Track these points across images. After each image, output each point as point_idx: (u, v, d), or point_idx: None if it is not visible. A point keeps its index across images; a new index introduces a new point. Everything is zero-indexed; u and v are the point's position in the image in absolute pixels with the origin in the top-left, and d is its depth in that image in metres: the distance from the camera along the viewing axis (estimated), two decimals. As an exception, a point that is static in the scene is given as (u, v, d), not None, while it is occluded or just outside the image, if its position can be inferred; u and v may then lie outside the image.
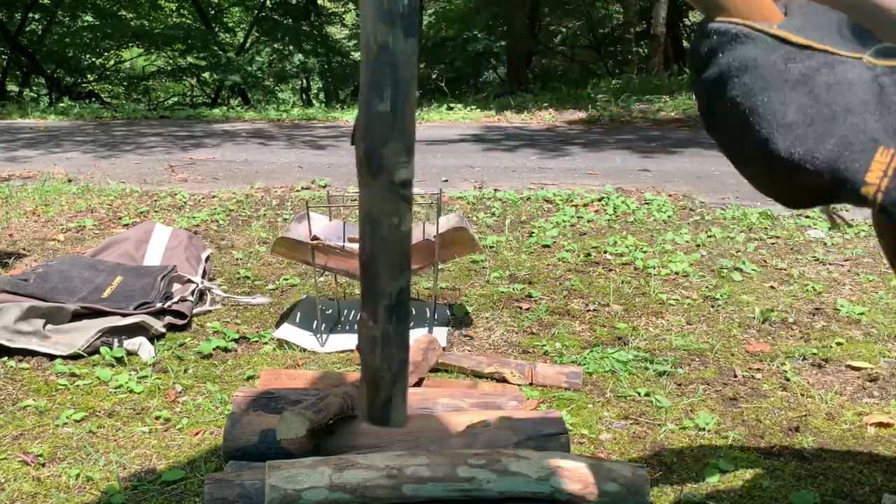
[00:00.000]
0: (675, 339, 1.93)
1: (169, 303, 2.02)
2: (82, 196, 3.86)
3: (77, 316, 1.92)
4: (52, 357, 1.80)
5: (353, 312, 2.14)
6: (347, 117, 8.85)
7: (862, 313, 2.11)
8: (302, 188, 4.19)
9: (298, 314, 2.08)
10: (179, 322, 2.00)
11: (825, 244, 2.90)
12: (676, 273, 2.50)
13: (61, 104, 11.32)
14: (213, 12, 15.82)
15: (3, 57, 14.13)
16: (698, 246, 2.85)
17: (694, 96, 0.64)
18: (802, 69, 0.55)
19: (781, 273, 2.52)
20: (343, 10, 17.82)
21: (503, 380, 1.68)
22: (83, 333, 1.84)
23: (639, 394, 1.62)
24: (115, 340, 1.85)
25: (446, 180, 4.42)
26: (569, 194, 3.84)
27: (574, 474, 1.13)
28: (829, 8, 0.58)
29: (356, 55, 17.31)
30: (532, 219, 3.34)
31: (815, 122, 0.54)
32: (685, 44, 17.25)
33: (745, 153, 0.59)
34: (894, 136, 0.52)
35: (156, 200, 3.78)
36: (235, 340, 1.93)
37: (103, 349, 1.82)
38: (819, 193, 0.57)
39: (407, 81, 0.54)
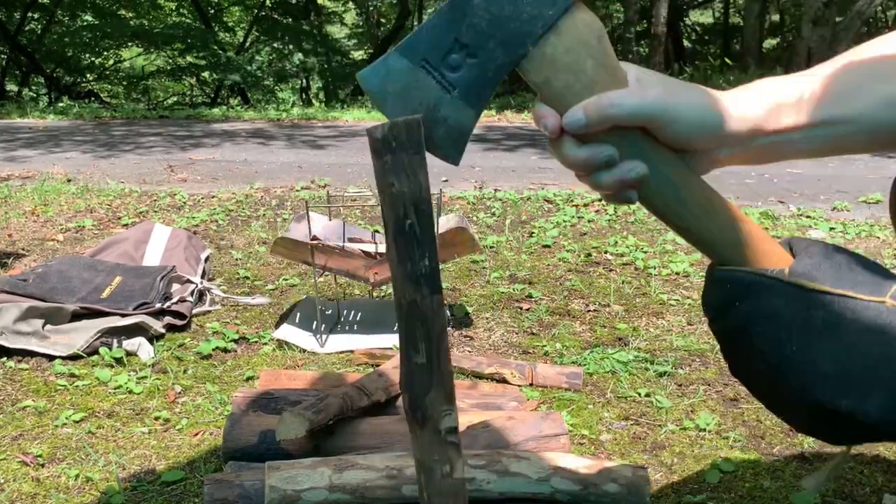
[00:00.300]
0: (675, 340, 1.93)
1: (168, 303, 2.02)
2: (81, 196, 3.85)
3: (76, 316, 1.92)
4: (51, 357, 1.80)
5: (352, 313, 2.14)
6: (347, 117, 8.84)
7: (862, 313, 2.11)
8: (302, 188, 4.19)
9: (298, 314, 2.08)
10: (179, 322, 2.00)
11: (825, 244, 2.90)
12: (677, 273, 2.50)
13: (60, 104, 11.31)
14: (212, 12, 15.82)
15: (3, 56, 14.12)
16: (698, 246, 2.85)
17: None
18: (825, 316, 0.53)
19: (782, 273, 2.52)
20: (343, 9, 17.82)
21: (503, 380, 1.68)
22: (82, 334, 1.84)
23: (639, 394, 1.62)
24: (115, 341, 1.84)
25: (446, 180, 4.42)
26: (569, 194, 3.83)
27: (574, 475, 1.13)
28: (835, 247, 0.57)
29: (356, 54, 17.32)
30: (532, 219, 3.34)
31: (854, 372, 0.52)
32: (686, 43, 17.25)
33: (780, 398, 0.57)
34: None
35: (155, 200, 3.78)
36: (235, 341, 1.93)
37: (102, 350, 1.82)
38: (865, 433, 0.56)
39: (438, 334, 0.60)
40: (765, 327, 0.55)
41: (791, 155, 0.61)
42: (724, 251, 0.59)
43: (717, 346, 1.87)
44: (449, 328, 2.00)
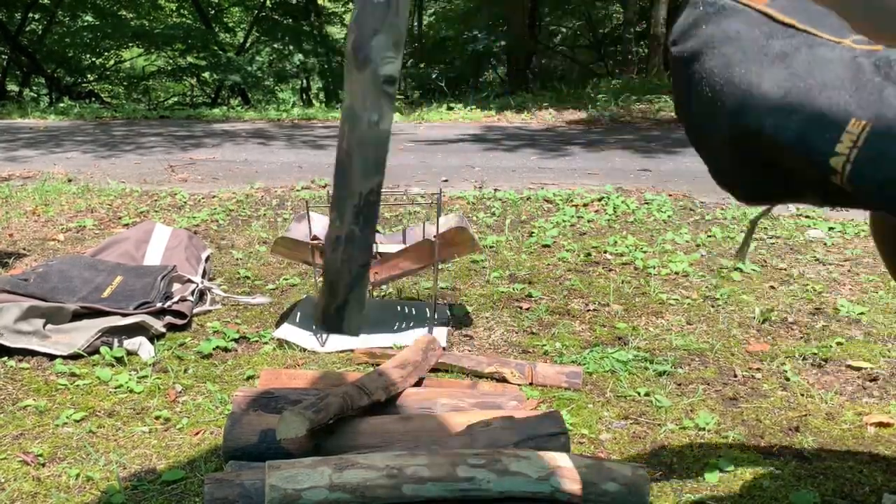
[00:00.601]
0: (675, 339, 1.93)
1: (169, 303, 2.02)
2: (82, 196, 3.86)
3: (77, 316, 1.92)
4: (52, 357, 1.80)
5: (353, 312, 2.14)
6: (347, 117, 8.84)
7: (862, 313, 2.11)
8: (302, 188, 4.19)
9: (298, 314, 2.08)
10: (179, 322, 2.00)
11: (825, 244, 2.90)
12: (676, 273, 2.50)
13: (61, 104, 11.31)
14: (213, 12, 15.82)
15: (3, 57, 14.12)
16: (698, 246, 2.85)
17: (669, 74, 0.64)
18: (783, 46, 0.56)
19: (781, 273, 2.53)
20: (343, 10, 17.82)
21: (503, 380, 1.68)
22: (83, 333, 1.84)
23: (639, 394, 1.62)
24: (115, 340, 1.85)
25: (446, 180, 4.42)
26: (569, 194, 3.84)
27: (574, 474, 1.13)
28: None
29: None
30: (532, 219, 3.34)
31: (790, 95, 0.54)
32: (685, 44, 17.24)
33: (712, 128, 0.59)
34: (867, 109, 0.52)
35: (156, 200, 3.78)
36: (235, 340, 1.93)
37: (103, 349, 1.82)
38: (781, 176, 0.57)
39: None
40: (721, 48, 0.57)
41: None
42: None
43: (716, 346, 1.88)
44: (449, 328, 2.01)
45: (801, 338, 1.96)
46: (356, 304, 0.65)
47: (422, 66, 15.99)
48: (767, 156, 0.56)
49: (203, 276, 2.35)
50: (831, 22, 0.57)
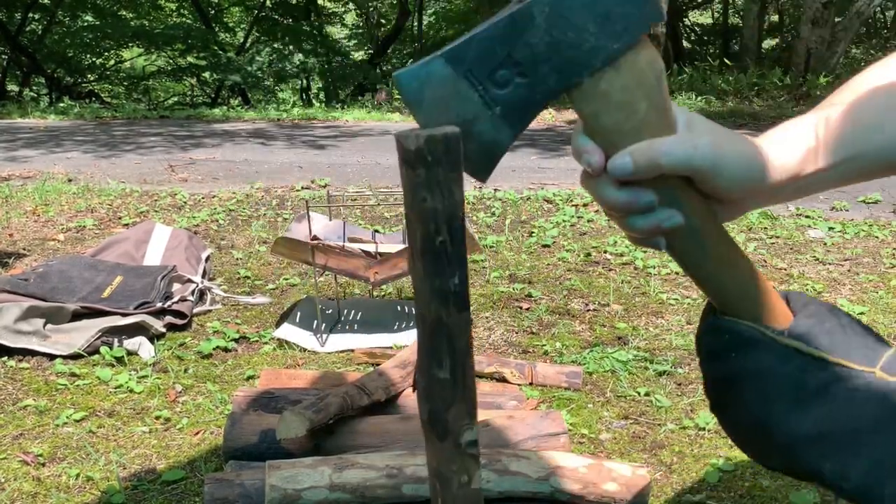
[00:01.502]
0: (674, 339, 1.93)
1: (169, 303, 2.02)
2: (82, 196, 3.86)
3: (77, 316, 1.92)
4: (52, 357, 1.80)
5: (352, 312, 2.14)
6: (347, 117, 8.85)
7: (862, 313, 2.11)
8: (302, 188, 4.19)
9: (298, 314, 2.08)
10: (179, 322, 2.00)
11: (825, 244, 2.90)
12: (676, 273, 2.50)
13: (61, 104, 11.32)
14: (213, 12, 15.82)
15: (3, 57, 14.13)
16: (698, 246, 2.85)
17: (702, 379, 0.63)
18: (818, 382, 0.54)
19: (781, 273, 2.52)
20: (343, 10, 17.82)
21: (503, 379, 1.68)
22: (83, 333, 1.84)
23: (639, 393, 1.62)
24: (115, 340, 1.85)
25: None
26: (569, 194, 3.84)
27: (574, 474, 1.13)
28: (830, 307, 0.58)
29: (356, 55, 17.32)
30: (532, 219, 3.34)
31: (838, 438, 0.54)
32: (685, 43, 17.24)
33: (763, 450, 0.59)
34: None
35: (156, 200, 3.78)
36: (235, 340, 1.93)
37: (103, 349, 1.82)
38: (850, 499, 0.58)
39: (463, 351, 0.57)
40: (756, 382, 0.56)
41: (821, 190, 0.61)
42: (732, 302, 0.59)
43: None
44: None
45: (801, 338, 1.96)
46: None
47: (422, 66, 15.93)
48: (826, 485, 0.57)
49: (203, 276, 2.35)
50: (858, 342, 0.56)
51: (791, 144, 0.58)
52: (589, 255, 2.73)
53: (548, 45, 0.53)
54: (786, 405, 0.55)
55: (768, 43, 16.07)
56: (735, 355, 0.57)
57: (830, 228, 3.13)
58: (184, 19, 15.61)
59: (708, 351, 0.60)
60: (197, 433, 1.47)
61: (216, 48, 14.04)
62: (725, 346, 0.58)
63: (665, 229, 0.56)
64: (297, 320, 2.04)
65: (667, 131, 0.55)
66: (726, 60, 12.89)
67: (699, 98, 9.06)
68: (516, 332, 2.00)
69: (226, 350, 1.88)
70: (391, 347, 1.87)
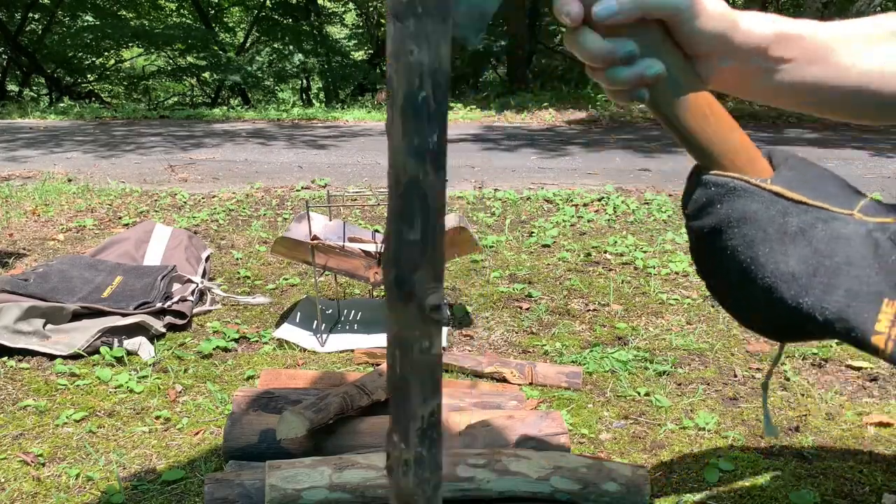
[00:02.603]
0: (674, 339, 1.93)
1: (169, 303, 2.02)
2: (82, 196, 3.86)
3: (77, 316, 1.92)
4: (52, 357, 1.80)
5: (352, 312, 2.14)
6: (347, 117, 8.85)
7: (862, 313, 2.11)
8: (302, 188, 4.19)
9: (298, 314, 2.08)
10: (179, 322, 2.00)
11: (825, 244, 2.90)
12: (676, 273, 2.50)
13: (61, 104, 11.32)
14: (213, 12, 15.83)
15: (3, 57, 14.13)
16: (698, 246, 2.85)
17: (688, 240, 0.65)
18: (799, 223, 0.57)
19: (781, 273, 2.52)
20: (343, 10, 17.82)
21: (503, 380, 1.68)
22: (83, 333, 1.84)
23: (639, 393, 1.62)
24: (115, 340, 1.85)
25: (446, 180, 4.42)
26: (569, 194, 3.84)
27: (574, 474, 1.13)
28: (810, 162, 0.61)
29: (356, 55, 17.32)
30: (532, 219, 3.34)
31: (819, 272, 0.56)
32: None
33: (747, 300, 0.61)
34: (895, 287, 0.55)
35: (156, 200, 3.78)
36: (235, 340, 1.93)
37: (103, 349, 1.82)
38: (819, 337, 0.60)
39: (437, 212, 0.57)
40: (741, 228, 0.59)
41: (782, 94, 0.65)
42: (715, 157, 0.62)
43: (716, 346, 1.87)
44: (449, 328, 2.01)
45: (801, 338, 1.96)
46: None
47: (422, 66, 15.92)
48: (805, 326, 0.58)
49: (203, 276, 2.35)
50: (836, 190, 0.59)
51: (769, 23, 0.62)
52: (589, 255, 2.73)
53: None
54: (769, 247, 0.58)
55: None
56: (721, 205, 0.60)
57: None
58: (184, 19, 15.62)
59: (695, 206, 0.62)
60: (197, 433, 1.47)
61: (216, 48, 14.04)
62: (712, 198, 0.61)
63: (648, 78, 0.59)
64: (297, 320, 2.04)
65: None
66: (726, 60, 12.87)
67: (699, 98, 9.05)
68: (516, 332, 2.00)
69: (226, 350, 1.88)
70: (391, 347, 1.87)
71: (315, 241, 1.85)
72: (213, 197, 3.88)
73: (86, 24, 14.54)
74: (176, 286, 2.16)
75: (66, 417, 1.52)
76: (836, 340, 1.89)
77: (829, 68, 0.63)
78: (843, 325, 0.55)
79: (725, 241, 0.60)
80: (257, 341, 1.94)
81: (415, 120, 0.54)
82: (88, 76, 15.70)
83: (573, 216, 3.34)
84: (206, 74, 15.06)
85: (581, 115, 8.59)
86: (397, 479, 0.63)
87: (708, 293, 2.27)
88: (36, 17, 14.49)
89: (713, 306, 2.19)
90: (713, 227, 0.60)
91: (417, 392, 0.61)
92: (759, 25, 0.62)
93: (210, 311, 2.15)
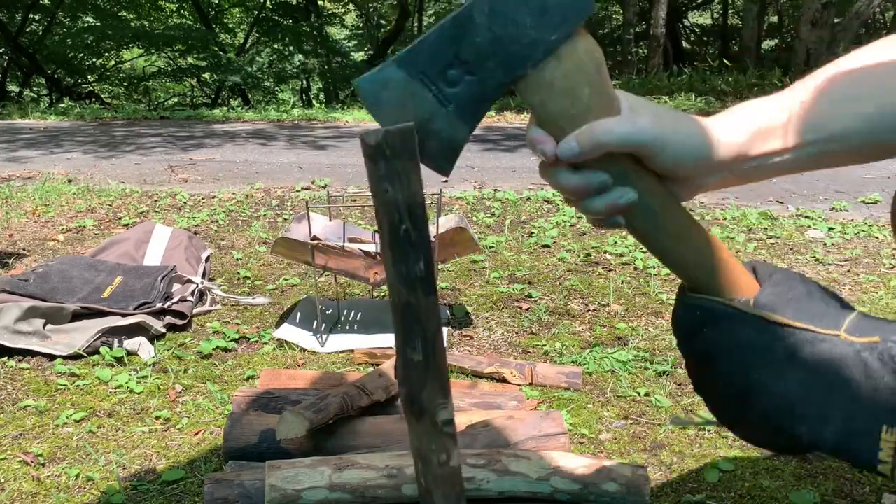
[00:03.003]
0: (674, 339, 1.93)
1: (169, 303, 2.02)
2: (82, 196, 3.86)
3: (77, 316, 1.92)
4: (52, 357, 1.80)
5: (352, 312, 2.14)
6: (347, 118, 8.85)
7: (862, 313, 2.11)
8: (302, 188, 4.20)
9: (298, 314, 2.08)
10: (179, 322, 2.00)
11: (825, 244, 2.90)
12: (676, 273, 2.50)
13: (62, 104, 11.33)
14: (213, 13, 15.83)
15: (4, 57, 14.13)
16: (698, 246, 2.85)
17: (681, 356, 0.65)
18: (787, 347, 0.57)
19: (781, 273, 2.52)
20: (343, 10, 17.83)
21: (503, 380, 1.68)
22: (83, 333, 1.84)
23: (639, 393, 1.62)
24: (115, 340, 1.85)
25: (446, 180, 4.42)
26: (569, 195, 3.83)
27: (574, 474, 1.13)
28: (795, 276, 0.60)
29: (356, 56, 17.33)
30: (532, 219, 3.34)
31: (812, 398, 0.56)
32: (684, 44, 17.24)
33: (744, 423, 0.61)
34: (891, 413, 0.54)
35: (156, 201, 3.78)
36: (235, 340, 1.93)
37: (103, 349, 1.82)
38: (830, 456, 0.60)
39: (433, 333, 0.61)
40: (730, 354, 0.59)
41: (778, 174, 0.63)
42: (697, 277, 0.61)
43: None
44: (449, 328, 2.01)
45: (801, 338, 1.96)
46: None
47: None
48: (809, 450, 0.58)
49: (203, 277, 2.35)
50: (823, 307, 0.58)
51: (743, 124, 0.61)
52: (589, 255, 2.73)
53: (491, 42, 0.56)
54: (760, 373, 0.57)
55: (768, 44, 16.08)
56: (707, 330, 0.60)
57: (830, 229, 3.13)
58: (184, 20, 15.62)
59: (684, 329, 0.62)
60: (197, 433, 1.47)
61: (216, 49, 14.05)
62: (698, 323, 0.60)
63: (621, 206, 0.59)
64: (297, 320, 2.04)
65: (611, 114, 0.58)
66: (726, 61, 12.89)
67: (699, 98, 9.05)
68: (516, 332, 2.00)
69: (226, 350, 1.88)
70: (391, 347, 1.87)
71: (315, 242, 1.85)
72: (213, 197, 3.88)
73: (86, 24, 14.54)
74: (176, 286, 2.16)
75: (66, 417, 1.52)
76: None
77: (819, 143, 0.60)
78: (847, 455, 0.55)
79: (718, 367, 0.59)
80: (257, 341, 1.94)
81: (401, 251, 0.58)
82: (89, 77, 15.71)
83: (573, 216, 3.34)
84: (207, 75, 15.07)
85: (581, 115, 8.58)
86: None
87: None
88: (36, 17, 14.49)
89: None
90: (705, 351, 0.60)
91: (441, 501, 0.65)
92: (734, 133, 0.60)
93: (210, 311, 2.15)
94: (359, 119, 8.76)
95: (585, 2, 0.56)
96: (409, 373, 0.61)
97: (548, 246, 2.87)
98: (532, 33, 0.55)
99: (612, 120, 0.57)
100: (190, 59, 14.52)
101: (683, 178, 0.61)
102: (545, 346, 1.89)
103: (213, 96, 15.57)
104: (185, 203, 3.74)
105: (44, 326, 1.85)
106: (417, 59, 0.58)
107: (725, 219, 3.33)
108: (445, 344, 1.90)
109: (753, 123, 0.60)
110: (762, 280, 0.60)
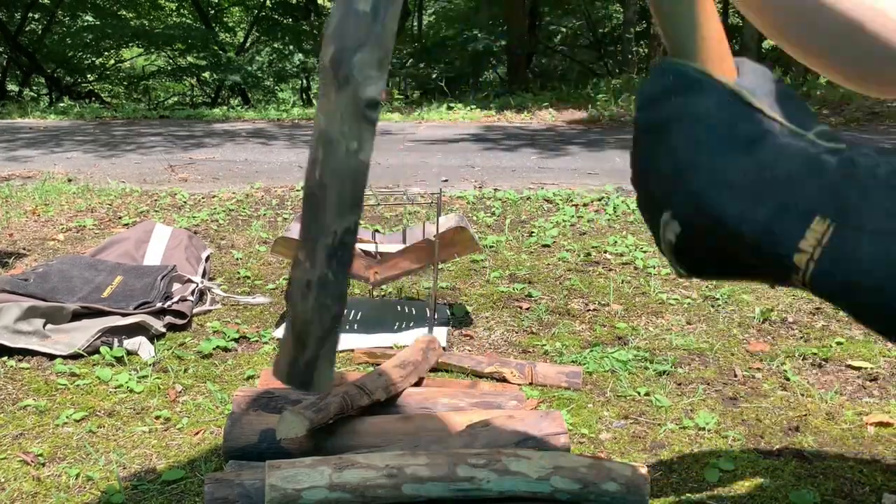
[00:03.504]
0: (674, 339, 1.93)
1: (169, 302, 2.02)
2: (82, 196, 3.86)
3: (77, 316, 1.92)
4: (52, 357, 1.80)
5: (352, 312, 2.14)
6: (347, 117, 8.84)
7: (862, 313, 2.11)
8: (302, 188, 4.19)
9: (298, 314, 2.08)
10: (179, 322, 2.00)
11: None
12: (676, 273, 2.50)
13: (61, 104, 11.32)
14: (213, 12, 15.83)
15: (3, 56, 14.13)
16: (698, 246, 2.85)
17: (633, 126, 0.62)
18: (750, 131, 0.55)
19: (781, 273, 2.52)
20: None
21: (503, 379, 1.68)
22: (83, 333, 1.84)
23: (639, 393, 1.62)
24: (115, 340, 1.85)
25: (446, 180, 4.42)
26: (569, 194, 3.84)
27: (574, 474, 1.13)
28: (779, 79, 0.59)
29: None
30: (532, 218, 3.34)
31: (755, 184, 0.54)
32: (685, 43, 17.22)
33: (671, 200, 0.58)
34: (831, 208, 0.52)
35: (156, 200, 3.78)
36: (235, 340, 1.93)
37: (103, 349, 1.82)
38: (734, 263, 0.56)
39: None
40: (689, 126, 0.56)
41: (767, 9, 0.63)
42: (685, 40, 0.59)
43: (716, 346, 1.87)
44: (449, 328, 2.01)
45: (801, 337, 1.96)
46: (327, 359, 0.57)
47: (422, 65, 16.00)
48: (724, 244, 0.56)
49: (203, 276, 2.35)
50: (796, 110, 0.57)
51: None
52: (589, 255, 2.73)
53: None
54: (712, 151, 0.55)
55: (768, 43, 16.07)
56: (675, 98, 0.57)
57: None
58: (184, 19, 15.63)
59: (648, 95, 0.59)
60: (197, 433, 1.47)
61: (216, 48, 14.04)
62: (668, 88, 0.58)
63: None
64: (297, 320, 2.04)
65: None
66: (726, 60, 12.86)
67: (699, 98, 9.04)
68: (516, 332, 2.00)
69: (226, 350, 1.88)
70: (391, 347, 1.87)
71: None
72: (213, 197, 3.88)
73: (86, 23, 14.54)
74: (176, 286, 2.16)
75: (66, 417, 1.52)
76: (836, 341, 1.89)
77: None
78: (768, 239, 0.53)
79: (668, 139, 0.57)
80: (257, 341, 1.94)
81: None
82: (88, 76, 15.70)
83: (573, 216, 3.34)
84: (206, 74, 15.07)
85: (581, 115, 8.59)
86: (295, 303, 0.54)
87: (708, 293, 2.28)
88: (36, 16, 14.49)
89: (713, 306, 2.19)
90: (661, 121, 0.58)
91: (334, 202, 0.52)
92: None
93: (210, 310, 2.15)
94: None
95: None
96: (347, 27, 0.48)
97: (548, 245, 2.87)
98: None
99: None
100: (190, 59, 14.52)
101: None
102: (545, 345, 1.89)
103: (212, 95, 15.57)
104: (185, 202, 3.74)
105: (44, 326, 1.85)
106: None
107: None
108: (445, 344, 1.90)
109: None
110: (743, 72, 0.59)
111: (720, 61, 0.58)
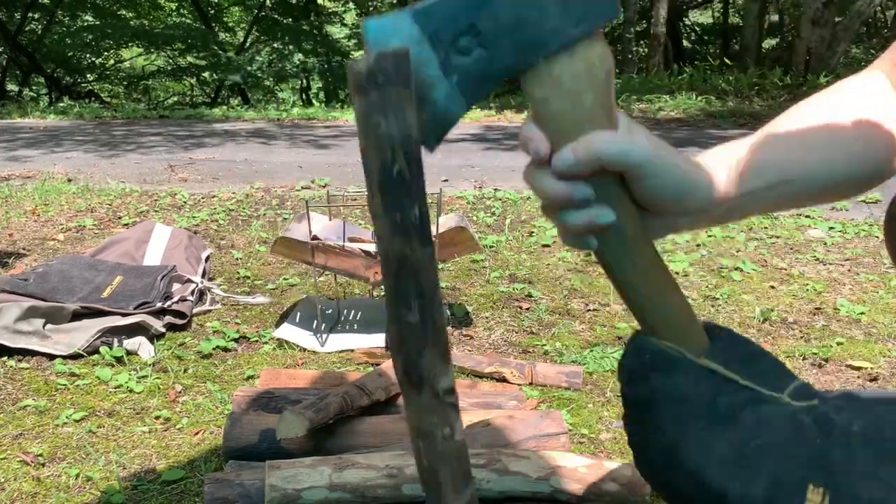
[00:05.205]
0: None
1: (169, 302, 2.02)
2: (82, 196, 3.86)
3: (77, 316, 1.92)
4: (52, 357, 1.80)
5: (352, 312, 2.14)
6: (347, 117, 8.85)
7: (862, 313, 2.11)
8: (302, 188, 4.19)
9: (298, 314, 2.08)
10: (179, 322, 2.00)
11: (825, 244, 2.90)
12: (676, 272, 2.50)
13: (61, 104, 11.32)
14: (212, 12, 15.83)
15: (3, 56, 14.13)
16: (698, 245, 2.85)
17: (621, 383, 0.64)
18: (729, 403, 0.57)
19: (781, 273, 2.52)
20: (343, 9, 17.82)
21: (503, 379, 1.68)
22: (83, 333, 1.84)
23: (639, 393, 1.62)
24: (115, 340, 1.85)
25: (446, 180, 4.42)
26: (569, 194, 3.83)
27: (574, 474, 1.13)
28: (745, 339, 0.61)
29: (356, 55, 17.31)
30: (532, 218, 3.34)
31: (745, 458, 0.56)
32: (685, 43, 17.23)
33: (673, 484, 0.59)
34: (819, 472, 0.54)
35: (156, 200, 3.78)
36: (235, 340, 1.93)
37: (103, 349, 1.82)
38: None
39: (431, 289, 0.55)
40: (671, 404, 0.58)
41: (752, 214, 0.65)
42: (652, 319, 0.60)
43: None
44: (449, 327, 2.01)
45: (801, 338, 1.96)
46: None
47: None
48: None
49: (203, 276, 2.35)
50: (769, 370, 0.59)
51: (722, 168, 0.62)
52: (589, 254, 2.73)
53: (511, 19, 0.54)
54: (698, 427, 0.57)
55: (769, 42, 16.07)
56: (653, 376, 0.59)
57: (831, 228, 3.13)
58: (183, 19, 15.63)
59: (629, 372, 0.61)
60: (197, 433, 1.47)
61: (216, 48, 14.05)
62: (646, 366, 0.59)
63: (597, 226, 0.58)
64: (297, 320, 2.04)
65: (609, 128, 0.56)
66: (726, 60, 12.88)
67: (699, 98, 9.05)
68: (516, 332, 2.00)
69: (226, 350, 1.88)
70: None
71: (315, 241, 1.85)
72: (213, 197, 3.88)
73: (85, 23, 14.55)
74: (176, 286, 2.16)
75: (66, 417, 1.52)
76: (836, 341, 1.89)
77: (791, 182, 0.64)
78: None
79: (655, 417, 0.58)
80: (257, 341, 1.94)
81: (393, 196, 0.52)
82: (88, 76, 15.71)
83: (573, 216, 3.34)
84: (206, 74, 15.07)
85: (581, 114, 8.58)
86: None
87: (708, 293, 2.28)
88: (36, 16, 14.49)
89: (713, 306, 2.19)
90: (645, 398, 0.59)
91: (448, 483, 0.58)
92: (720, 177, 0.61)
93: (210, 310, 2.15)
94: (359, 118, 8.75)
95: (612, 4, 0.54)
96: (405, 337, 0.54)
97: (548, 245, 2.87)
98: (554, 21, 0.53)
99: (610, 133, 0.56)
100: (189, 58, 14.53)
101: (660, 212, 0.60)
102: (545, 345, 1.89)
103: (212, 95, 15.57)
104: (184, 202, 3.74)
105: (44, 326, 1.85)
106: (434, 16, 0.54)
107: (725, 218, 3.33)
108: (445, 343, 1.90)
109: (734, 168, 0.62)
110: (712, 336, 0.60)
111: (690, 333, 0.60)
